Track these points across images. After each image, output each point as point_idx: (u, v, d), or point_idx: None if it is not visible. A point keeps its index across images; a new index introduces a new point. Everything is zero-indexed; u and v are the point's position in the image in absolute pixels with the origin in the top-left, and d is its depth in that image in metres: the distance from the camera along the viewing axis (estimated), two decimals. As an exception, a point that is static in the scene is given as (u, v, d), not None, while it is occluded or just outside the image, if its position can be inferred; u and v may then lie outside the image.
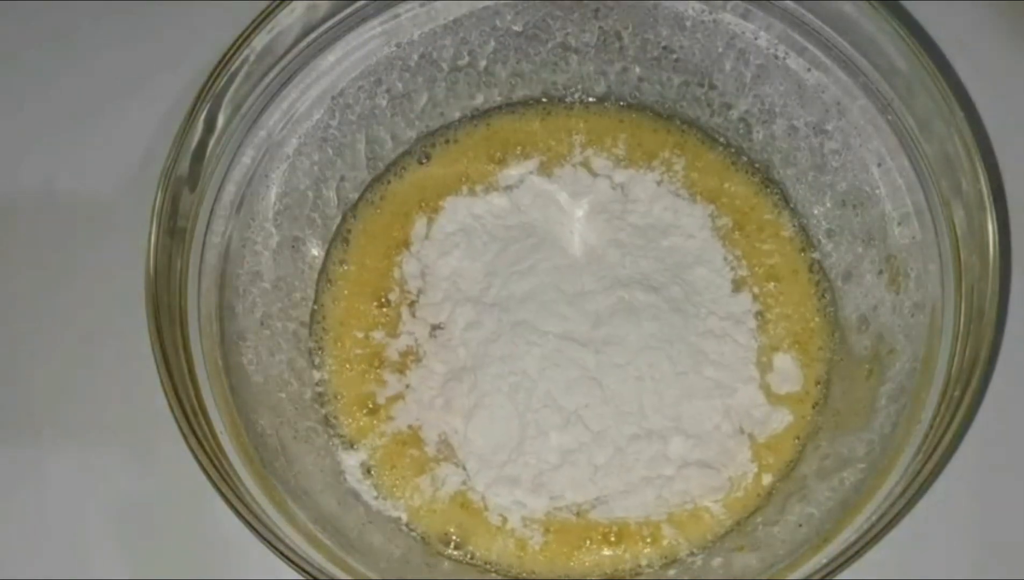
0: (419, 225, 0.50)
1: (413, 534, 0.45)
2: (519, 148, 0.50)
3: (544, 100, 0.51)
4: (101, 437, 0.48)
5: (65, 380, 0.49)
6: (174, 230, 0.41)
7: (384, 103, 0.48)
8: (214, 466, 0.38)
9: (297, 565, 0.38)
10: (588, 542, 0.45)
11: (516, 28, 0.47)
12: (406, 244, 0.49)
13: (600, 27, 0.48)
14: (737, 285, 0.48)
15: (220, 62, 0.42)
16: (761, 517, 0.44)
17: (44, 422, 0.48)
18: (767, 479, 0.45)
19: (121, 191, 0.49)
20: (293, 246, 0.47)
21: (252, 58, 0.42)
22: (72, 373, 0.49)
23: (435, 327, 0.48)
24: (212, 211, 0.43)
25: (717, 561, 0.43)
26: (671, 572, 0.44)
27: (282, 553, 0.38)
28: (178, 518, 0.46)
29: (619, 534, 0.45)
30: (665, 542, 0.44)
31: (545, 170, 0.50)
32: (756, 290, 0.48)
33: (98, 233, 0.50)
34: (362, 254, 0.49)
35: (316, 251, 0.48)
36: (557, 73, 0.50)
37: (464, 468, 0.46)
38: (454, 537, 0.45)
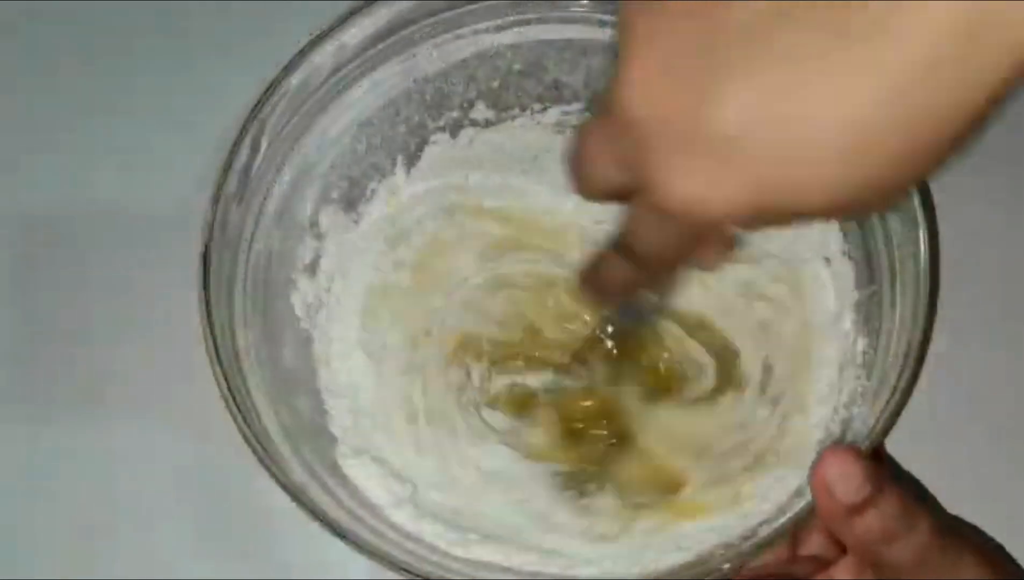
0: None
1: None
2: None
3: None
4: (161, 418, 0.53)
5: (131, 368, 0.54)
6: (223, 240, 0.45)
7: (403, 130, 0.52)
8: (259, 443, 0.42)
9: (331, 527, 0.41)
10: None
11: (516, 67, 0.52)
12: None
13: (587, 65, 0.52)
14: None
15: (263, 94, 0.46)
16: None
17: (112, 407, 0.53)
18: None
19: (177, 209, 0.54)
20: (327, 256, 0.52)
21: (290, 91, 0.47)
22: (137, 362, 0.54)
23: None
24: (256, 223, 0.47)
25: None
26: None
27: (314, 514, 0.41)
28: (228, 488, 0.51)
29: None
30: None
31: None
32: None
33: (157, 244, 0.55)
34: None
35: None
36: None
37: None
38: None
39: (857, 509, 0.37)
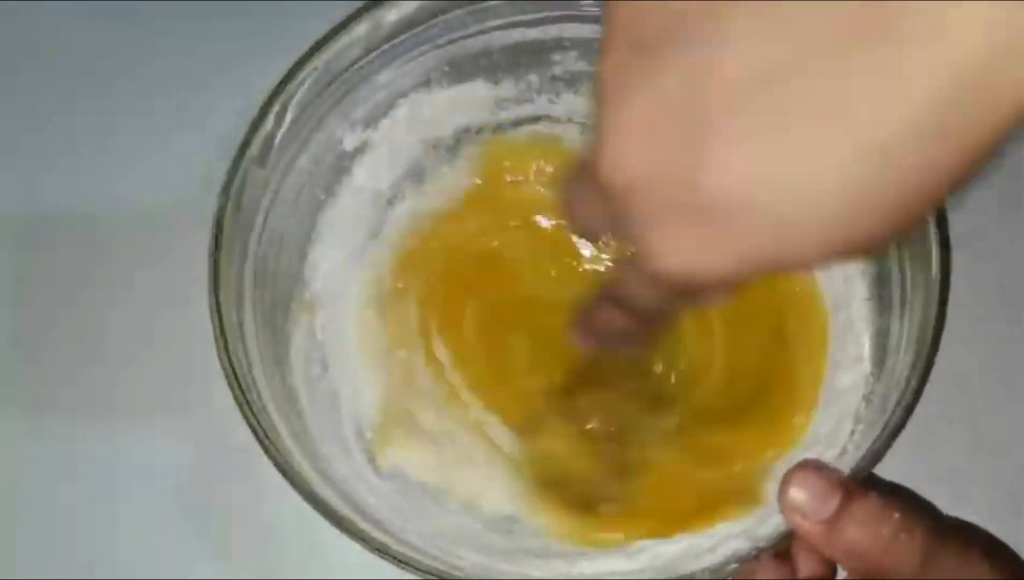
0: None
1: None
2: None
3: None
4: (162, 419, 0.53)
5: (132, 369, 0.54)
6: (240, 205, 0.44)
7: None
8: (264, 433, 0.41)
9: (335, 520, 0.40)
10: None
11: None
12: None
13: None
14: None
15: (292, 69, 0.46)
16: None
17: (113, 407, 0.53)
18: None
19: (182, 209, 0.54)
20: (346, 236, 0.52)
21: (319, 69, 0.46)
22: (137, 363, 0.54)
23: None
24: (274, 199, 0.47)
25: None
26: None
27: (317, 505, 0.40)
28: (228, 488, 0.51)
29: None
30: None
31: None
32: None
33: (161, 245, 0.55)
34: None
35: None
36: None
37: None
38: None
39: (831, 522, 0.36)
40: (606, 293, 0.34)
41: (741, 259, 0.25)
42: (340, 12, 0.47)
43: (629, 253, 0.29)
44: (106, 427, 0.52)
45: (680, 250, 0.25)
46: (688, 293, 0.29)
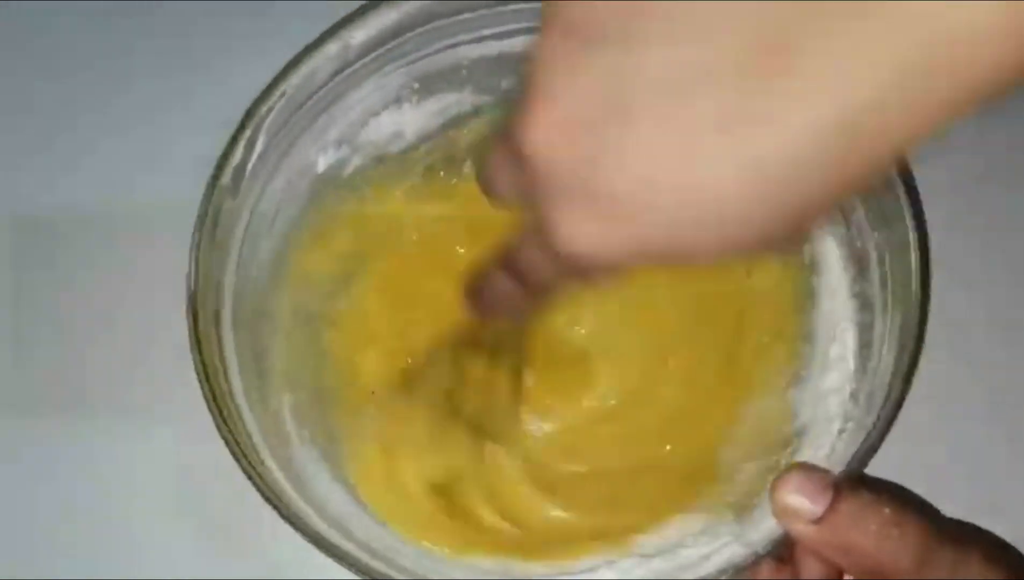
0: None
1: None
2: None
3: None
4: (160, 418, 0.52)
5: (130, 368, 0.53)
6: (215, 236, 0.45)
7: (404, 134, 0.51)
8: (238, 444, 0.42)
9: (307, 534, 0.40)
10: None
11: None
12: None
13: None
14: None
15: (263, 91, 0.45)
16: None
17: (110, 406, 0.53)
18: None
19: (172, 209, 0.51)
20: (319, 257, 0.51)
21: (289, 91, 0.46)
22: (135, 362, 0.54)
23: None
24: (249, 221, 0.47)
25: None
26: None
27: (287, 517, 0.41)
28: (226, 488, 0.48)
29: None
30: None
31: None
32: None
33: (154, 244, 0.55)
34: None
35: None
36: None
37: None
38: None
39: (822, 521, 0.37)
40: (503, 261, 0.35)
41: (635, 250, 0.26)
42: (342, 9, 0.46)
43: (530, 224, 0.31)
44: (104, 427, 0.52)
45: (580, 232, 0.27)
46: (581, 272, 0.31)
